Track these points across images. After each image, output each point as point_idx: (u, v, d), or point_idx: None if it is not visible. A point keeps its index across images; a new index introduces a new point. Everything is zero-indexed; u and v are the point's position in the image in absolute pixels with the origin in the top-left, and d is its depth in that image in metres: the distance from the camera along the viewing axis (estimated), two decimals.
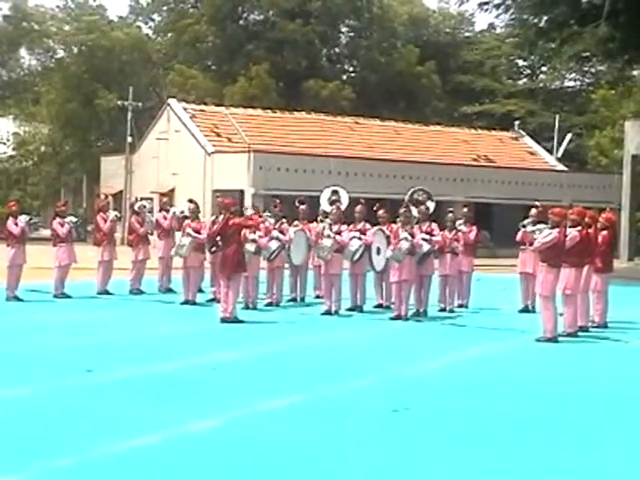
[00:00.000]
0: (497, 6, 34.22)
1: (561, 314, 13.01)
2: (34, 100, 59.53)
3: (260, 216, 16.51)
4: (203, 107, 44.73)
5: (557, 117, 54.03)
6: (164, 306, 16.65)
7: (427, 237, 15.18)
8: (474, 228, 17.32)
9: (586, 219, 13.60)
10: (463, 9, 61.48)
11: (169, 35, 63.95)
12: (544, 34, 33.82)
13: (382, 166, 40.49)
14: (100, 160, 49.48)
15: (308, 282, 17.80)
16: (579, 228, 13.16)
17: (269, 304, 16.57)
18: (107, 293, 17.88)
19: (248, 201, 33.24)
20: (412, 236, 14.75)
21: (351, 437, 7.27)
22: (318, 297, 17.27)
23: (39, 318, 14.54)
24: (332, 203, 17.07)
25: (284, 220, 16.86)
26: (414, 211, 15.73)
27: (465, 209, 17.87)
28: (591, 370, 10.92)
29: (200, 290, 17.39)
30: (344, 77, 63.29)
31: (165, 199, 21.60)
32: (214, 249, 15.25)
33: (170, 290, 18.43)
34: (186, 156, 41.03)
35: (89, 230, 35.03)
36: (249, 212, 17.20)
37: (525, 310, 16.27)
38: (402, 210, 15.12)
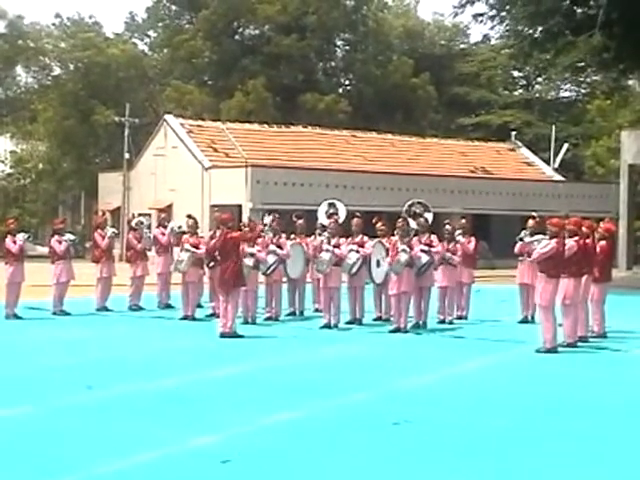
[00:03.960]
0: (492, 17, 34.34)
1: (560, 324, 13.01)
2: (31, 118, 59.53)
3: (253, 228, 16.45)
4: (200, 122, 44.79)
5: (553, 127, 54.12)
6: (163, 322, 16.64)
7: (426, 249, 15.20)
8: (473, 239, 17.34)
9: (584, 229, 13.62)
10: (458, 21, 61.79)
11: (165, 51, 64.05)
12: (539, 45, 33.90)
13: (379, 179, 40.53)
14: (98, 177, 49.49)
15: (307, 296, 17.80)
16: (576, 238, 13.17)
17: (268, 318, 16.57)
18: (106, 309, 17.87)
19: (246, 216, 33.22)
20: (410, 248, 14.76)
21: (352, 450, 7.26)
22: (317, 311, 17.27)
23: (38, 335, 14.53)
24: (330, 216, 17.08)
25: (282, 234, 16.88)
26: (412, 223, 15.74)
27: (463, 220, 17.88)
28: (591, 380, 10.91)
29: (199, 305, 17.39)
30: (340, 90, 63.42)
31: (163, 215, 21.59)
32: (212, 264, 15.27)
33: (169, 306, 18.42)
34: (183, 171, 41.06)
35: (87, 247, 35.01)
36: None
37: (524, 321, 16.28)
38: (399, 223, 15.13)
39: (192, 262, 16.51)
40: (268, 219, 16.93)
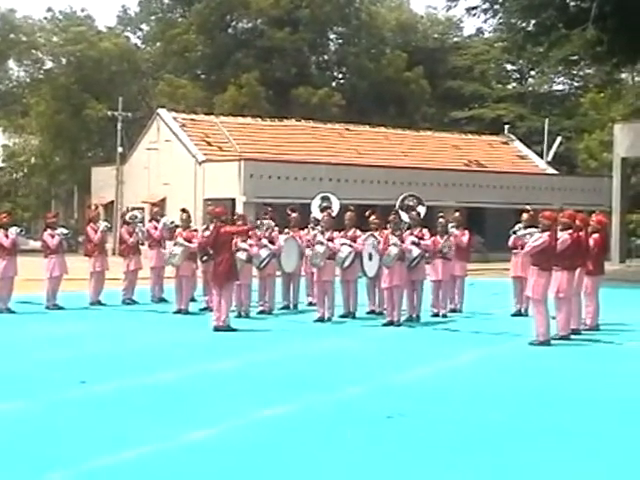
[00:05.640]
0: (485, 11, 34.37)
1: (553, 317, 13.02)
2: (23, 112, 59.41)
3: (246, 224, 16.44)
4: (193, 116, 44.75)
5: (546, 121, 54.18)
6: (157, 316, 16.62)
7: (416, 240, 15.12)
8: (466, 232, 17.34)
9: (577, 222, 13.61)
10: (451, 14, 61.69)
11: (158, 45, 63.93)
12: (532, 38, 33.94)
13: (372, 172, 40.51)
14: (91, 171, 49.44)
15: (301, 289, 17.79)
16: (570, 231, 13.17)
17: (262, 312, 16.55)
18: (100, 304, 17.84)
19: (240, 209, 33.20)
20: (402, 241, 14.75)
21: (346, 444, 7.26)
22: (311, 304, 17.26)
23: (32, 330, 14.50)
24: (323, 210, 17.07)
25: (275, 228, 16.87)
26: (405, 217, 15.73)
27: (457, 213, 17.88)
28: (584, 373, 10.93)
29: (193, 299, 17.38)
30: (333, 84, 63.37)
31: (156, 209, 21.56)
32: (206, 258, 15.25)
33: (163, 300, 18.41)
34: (177, 165, 41.02)
35: (80, 241, 35.00)
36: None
37: (518, 314, 16.29)
38: (392, 216, 15.12)
39: (185, 256, 16.49)
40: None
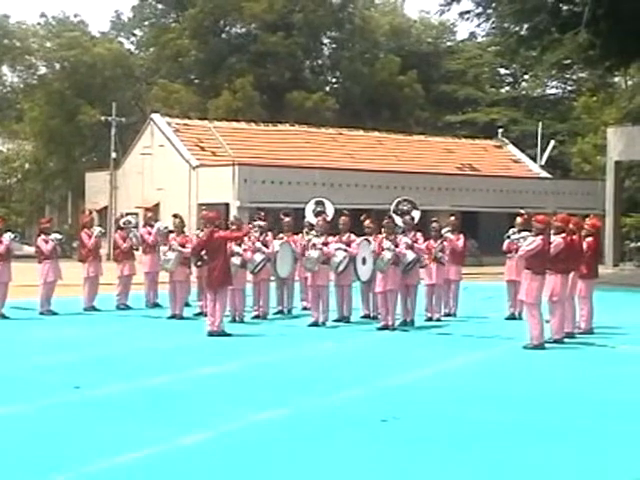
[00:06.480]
0: (478, 15, 34.46)
1: (547, 321, 13.05)
2: (17, 117, 59.43)
3: (240, 228, 16.45)
4: (187, 121, 44.76)
5: (540, 124, 54.28)
6: (151, 321, 16.61)
7: (410, 242, 15.10)
8: (461, 236, 17.36)
9: (570, 225, 13.65)
10: (444, 19, 61.79)
11: (151, 50, 63.98)
12: (525, 42, 34.04)
13: (366, 177, 40.56)
14: (84, 176, 49.41)
15: (295, 294, 17.78)
16: (563, 235, 13.21)
17: (256, 317, 16.55)
18: (94, 309, 17.82)
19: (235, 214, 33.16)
20: (396, 246, 14.76)
21: (341, 448, 7.27)
22: (305, 309, 17.27)
23: (26, 335, 14.49)
24: (317, 214, 17.09)
25: (269, 232, 16.88)
26: (399, 221, 15.74)
27: (452, 218, 17.91)
28: (578, 376, 10.95)
29: (187, 304, 17.37)
30: (327, 88, 63.47)
31: (150, 214, 21.55)
32: (200, 263, 15.24)
33: (157, 305, 18.39)
34: (170, 170, 41.01)
35: (74, 246, 34.98)
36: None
37: (512, 317, 16.32)
38: (386, 220, 15.14)
39: (179, 261, 16.49)
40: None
